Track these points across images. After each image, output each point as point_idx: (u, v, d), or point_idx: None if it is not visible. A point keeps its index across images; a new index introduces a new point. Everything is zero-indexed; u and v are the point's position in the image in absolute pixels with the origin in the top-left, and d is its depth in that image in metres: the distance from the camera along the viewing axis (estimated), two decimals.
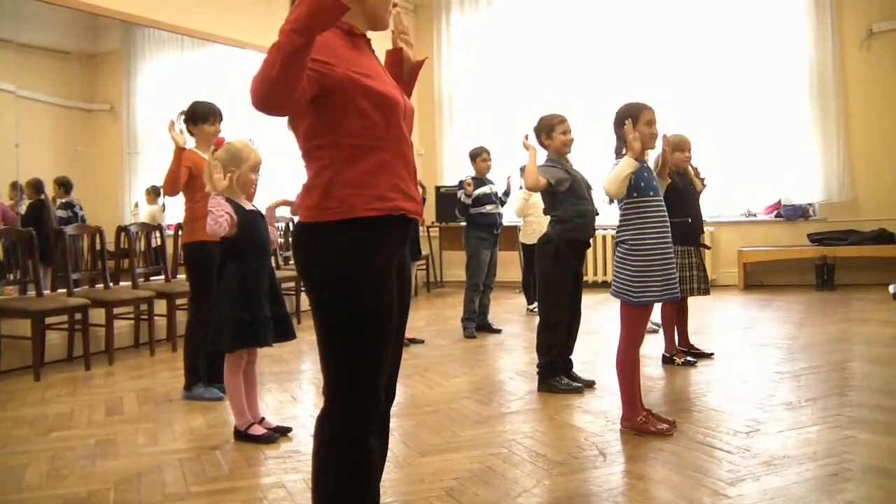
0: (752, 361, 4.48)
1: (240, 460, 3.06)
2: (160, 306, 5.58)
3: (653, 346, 4.65)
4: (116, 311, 5.24)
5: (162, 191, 4.71)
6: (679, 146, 4.51)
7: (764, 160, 8.09)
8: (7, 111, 5.44)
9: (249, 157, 3.30)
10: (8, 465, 3.07)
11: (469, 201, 5.87)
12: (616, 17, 8.59)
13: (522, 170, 6.64)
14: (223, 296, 3.27)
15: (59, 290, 5.23)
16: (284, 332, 3.38)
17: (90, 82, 6.51)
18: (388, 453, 2.07)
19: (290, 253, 6.53)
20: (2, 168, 5.43)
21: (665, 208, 3.23)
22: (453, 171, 9.25)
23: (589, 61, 8.68)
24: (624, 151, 3.23)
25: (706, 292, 4.54)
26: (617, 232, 3.24)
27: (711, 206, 7.51)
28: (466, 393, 4.01)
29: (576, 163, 4.15)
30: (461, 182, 5.98)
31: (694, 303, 4.80)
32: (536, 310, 5.54)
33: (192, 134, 4.16)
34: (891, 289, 6.67)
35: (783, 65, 7.97)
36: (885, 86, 7.68)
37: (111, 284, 5.46)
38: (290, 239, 6.24)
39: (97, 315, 5.14)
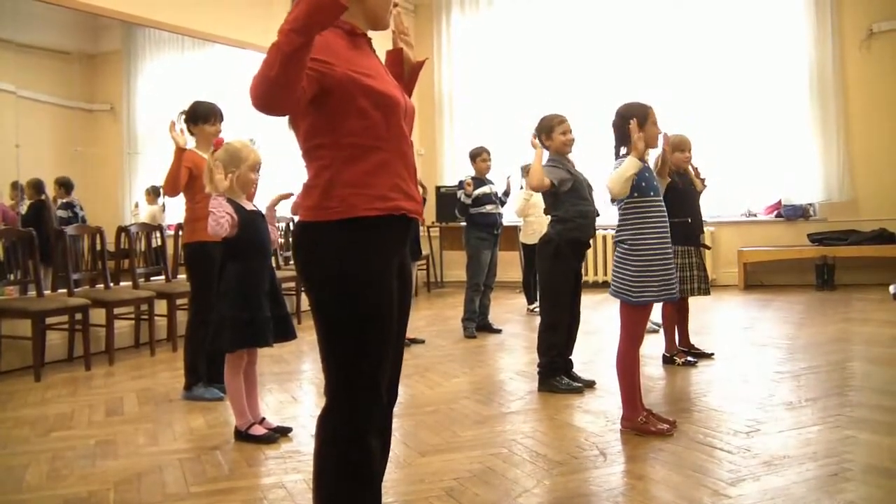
0: (753, 361, 4.48)
1: (240, 460, 3.06)
2: (160, 306, 5.58)
3: (653, 346, 4.65)
4: (117, 311, 5.25)
5: (162, 191, 4.71)
6: (679, 146, 4.51)
7: (764, 160, 8.09)
8: (7, 111, 5.44)
9: (249, 157, 3.30)
10: (8, 465, 3.07)
11: (469, 201, 5.87)
12: (616, 17, 8.59)
13: (524, 169, 6.67)
14: (223, 296, 3.27)
15: (60, 291, 5.23)
16: (285, 333, 3.38)
17: (90, 82, 6.51)
18: (389, 453, 2.07)
19: (290, 253, 6.53)
20: (2, 168, 5.43)
21: (665, 208, 3.23)
22: (453, 171, 9.25)
23: (589, 61, 8.68)
24: (624, 151, 3.23)
25: (706, 292, 4.53)
26: (616, 232, 3.24)
27: (712, 206, 7.52)
28: (467, 393, 4.01)
29: (576, 163, 4.15)
30: (461, 182, 5.99)
31: (694, 303, 4.79)
32: (536, 310, 5.56)
33: (192, 134, 4.16)
34: (891, 289, 6.67)
35: (783, 65, 7.97)
36: (885, 86, 7.68)
37: (111, 284, 5.46)
38: (290, 238, 6.25)
39: (97, 315, 5.14)
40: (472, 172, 6.09)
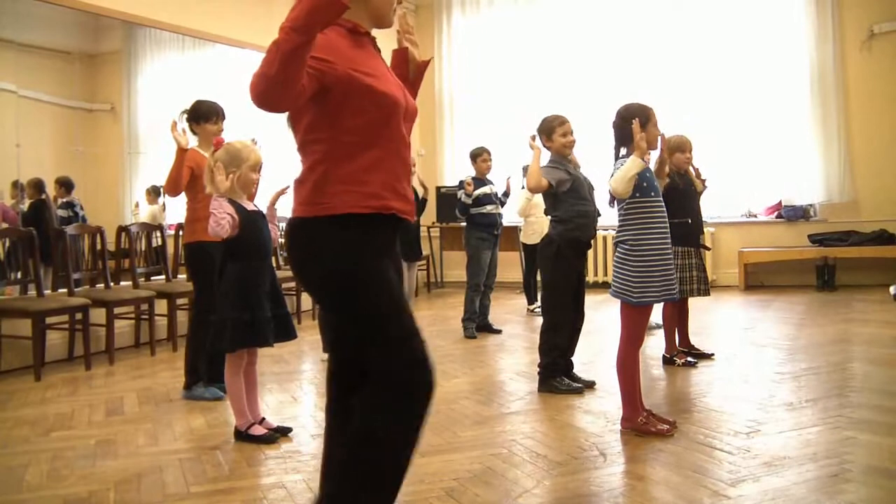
0: (753, 362, 4.48)
1: (240, 460, 3.05)
2: (161, 306, 5.59)
3: (653, 347, 4.65)
4: (117, 310, 5.25)
5: (163, 191, 4.71)
6: (680, 147, 4.51)
7: (764, 161, 8.09)
8: (8, 111, 5.44)
9: (249, 156, 3.30)
10: (8, 465, 3.07)
11: (469, 201, 5.87)
12: (617, 17, 8.59)
13: (525, 170, 6.67)
14: (224, 296, 3.27)
15: (60, 290, 5.23)
16: (285, 332, 3.38)
17: (91, 82, 6.51)
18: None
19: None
20: (3, 168, 5.43)
21: (665, 209, 3.23)
22: (454, 171, 9.26)
23: (590, 62, 8.68)
24: (624, 152, 3.23)
25: (706, 293, 4.53)
26: (617, 232, 3.24)
27: (712, 207, 7.53)
28: (467, 393, 4.01)
29: (582, 164, 4.15)
30: (461, 182, 5.98)
31: (694, 303, 4.79)
32: (537, 310, 5.56)
33: (194, 133, 4.15)
34: (891, 290, 6.67)
35: (784, 65, 7.97)
36: (885, 87, 7.68)
37: (112, 284, 5.47)
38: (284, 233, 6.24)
39: (98, 315, 5.14)
40: (473, 173, 6.09)
